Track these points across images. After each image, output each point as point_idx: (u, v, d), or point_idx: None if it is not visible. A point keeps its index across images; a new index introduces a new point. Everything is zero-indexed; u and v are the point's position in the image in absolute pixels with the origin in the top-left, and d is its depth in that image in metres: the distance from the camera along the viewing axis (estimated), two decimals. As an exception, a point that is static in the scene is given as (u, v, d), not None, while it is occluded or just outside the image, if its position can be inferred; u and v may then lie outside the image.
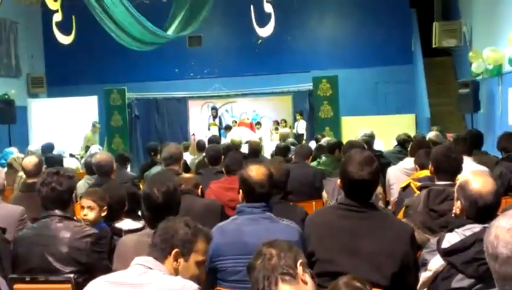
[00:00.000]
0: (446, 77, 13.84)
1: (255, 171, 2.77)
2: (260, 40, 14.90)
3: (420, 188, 3.34)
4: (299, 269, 1.80)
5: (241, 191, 2.80)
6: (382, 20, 14.44)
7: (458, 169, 3.27)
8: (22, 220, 3.61)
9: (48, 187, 2.86)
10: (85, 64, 14.98)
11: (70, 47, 11.38)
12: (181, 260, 2.06)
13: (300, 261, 1.82)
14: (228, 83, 14.98)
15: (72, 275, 2.68)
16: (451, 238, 2.28)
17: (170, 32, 11.24)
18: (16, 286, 2.73)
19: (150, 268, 1.99)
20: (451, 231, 2.33)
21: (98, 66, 14.99)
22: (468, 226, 2.28)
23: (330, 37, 15.37)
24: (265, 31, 10.42)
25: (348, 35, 15.17)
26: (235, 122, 14.75)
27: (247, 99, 15.18)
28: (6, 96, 12.83)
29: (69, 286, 2.66)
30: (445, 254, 2.24)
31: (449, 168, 3.24)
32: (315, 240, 2.61)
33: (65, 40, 11.01)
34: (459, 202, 2.40)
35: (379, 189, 4.27)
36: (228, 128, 14.07)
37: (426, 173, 3.89)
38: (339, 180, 2.71)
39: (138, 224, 3.61)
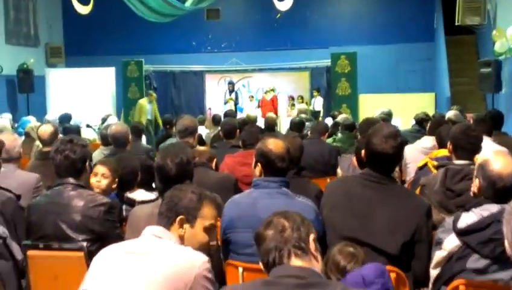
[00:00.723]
0: (468, 55, 13.54)
1: (274, 145, 2.74)
2: (279, 15, 14.71)
3: (437, 167, 3.27)
4: (312, 244, 1.75)
5: (258, 164, 2.75)
6: (404, -4, 14.16)
7: (477, 148, 3.19)
8: (38, 188, 3.64)
9: (62, 155, 2.85)
10: (103, 35, 14.94)
11: (89, 17, 11.37)
12: (187, 227, 2.04)
13: (312, 236, 1.77)
14: (246, 57, 14.85)
15: (84, 243, 2.69)
16: (467, 218, 2.23)
17: (188, 4, 11.13)
18: (29, 253, 2.75)
19: (160, 237, 1.98)
20: (467, 210, 2.28)
21: (116, 37, 14.94)
22: (485, 206, 2.23)
23: (350, 12, 15.10)
24: (284, 5, 10.27)
25: (368, 11, 14.89)
26: (252, 97, 14.65)
27: (264, 74, 15.05)
28: (25, 66, 12.90)
29: (82, 253, 2.67)
30: (461, 233, 2.21)
31: (468, 147, 3.17)
32: (332, 204, 2.65)
33: (83, 10, 10.99)
34: (477, 180, 2.35)
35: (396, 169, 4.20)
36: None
37: (444, 152, 3.82)
38: (353, 158, 2.69)
39: (152, 195, 3.61)
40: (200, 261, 1.89)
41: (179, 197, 2.06)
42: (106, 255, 1.96)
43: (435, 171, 3.55)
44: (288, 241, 1.72)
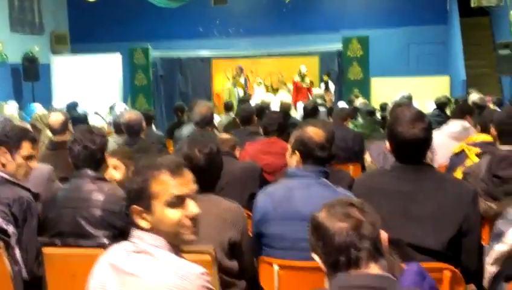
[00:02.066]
0: (482, 38, 13.25)
1: (315, 132, 2.50)
2: (288, -1, 14.39)
3: (480, 155, 3.04)
4: (385, 245, 1.48)
5: (296, 153, 2.53)
6: (416, -22, 13.80)
7: (524, 133, 2.96)
8: (51, 180, 3.43)
9: (80, 145, 2.64)
10: (109, 21, 14.65)
11: (94, 4, 11.13)
12: (147, 216, 1.62)
13: (385, 235, 1.50)
14: (254, 42, 14.53)
15: (105, 240, 2.48)
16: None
17: (196, -13, 10.84)
18: (46, 250, 2.54)
19: (141, 248, 1.63)
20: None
21: (122, 24, 14.64)
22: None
23: (361, -5, 14.77)
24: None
25: (380, -7, 14.55)
26: (260, 83, 14.37)
27: (272, 59, 14.76)
28: (30, 54, 12.68)
29: (103, 251, 2.45)
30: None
31: (514, 133, 2.93)
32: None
33: (89, -4, 10.73)
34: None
35: (429, 154, 3.98)
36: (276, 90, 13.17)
37: (482, 137, 3.60)
38: (387, 143, 2.45)
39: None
40: (192, 279, 1.56)
41: (128, 184, 1.68)
42: (101, 269, 1.68)
43: (473, 157, 3.33)
44: (366, 239, 1.42)
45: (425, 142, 2.34)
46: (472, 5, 11.30)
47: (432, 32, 13.72)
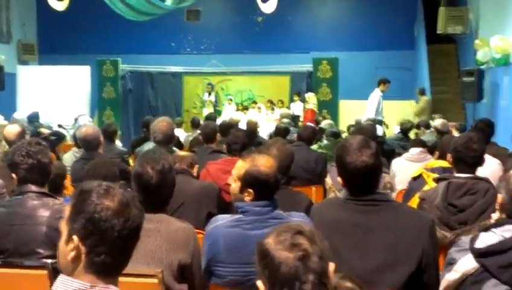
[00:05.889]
0: (447, 65, 13.55)
1: (264, 164, 2.39)
2: (261, 18, 14.51)
3: (438, 180, 3.05)
4: (331, 278, 1.41)
5: (250, 190, 2.38)
6: (385, 3, 14.08)
7: (479, 161, 2.99)
8: (1, 194, 3.30)
9: (34, 159, 2.52)
10: (79, 33, 14.49)
11: (64, 14, 10.96)
12: None
13: (333, 266, 1.42)
14: (225, 60, 14.56)
15: (49, 261, 2.36)
16: (487, 239, 1.99)
17: (169, 2, 10.82)
18: (-14, 270, 2.42)
19: None
20: (486, 230, 2.04)
21: (92, 36, 14.50)
22: (508, 227, 1.99)
23: (331, 18, 15.00)
24: (268, 7, 10.04)
25: (350, 17, 14.81)
26: (231, 100, 14.36)
27: (243, 77, 14.80)
28: (-4, 62, 12.38)
29: (45, 272, 2.35)
30: (480, 255, 1.95)
31: (469, 160, 2.95)
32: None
33: (59, 5, 10.57)
34: (500, 195, 2.12)
35: (387, 177, 3.99)
36: (245, 108, 13.71)
37: (441, 163, 3.63)
38: (339, 177, 2.38)
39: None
40: None
41: None
42: None
43: (431, 182, 3.35)
44: (311, 272, 1.36)
45: (375, 169, 2.27)
46: (438, 31, 11.54)
47: (400, 57, 13.99)
